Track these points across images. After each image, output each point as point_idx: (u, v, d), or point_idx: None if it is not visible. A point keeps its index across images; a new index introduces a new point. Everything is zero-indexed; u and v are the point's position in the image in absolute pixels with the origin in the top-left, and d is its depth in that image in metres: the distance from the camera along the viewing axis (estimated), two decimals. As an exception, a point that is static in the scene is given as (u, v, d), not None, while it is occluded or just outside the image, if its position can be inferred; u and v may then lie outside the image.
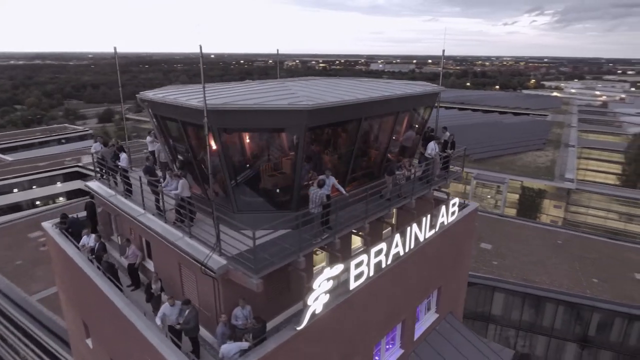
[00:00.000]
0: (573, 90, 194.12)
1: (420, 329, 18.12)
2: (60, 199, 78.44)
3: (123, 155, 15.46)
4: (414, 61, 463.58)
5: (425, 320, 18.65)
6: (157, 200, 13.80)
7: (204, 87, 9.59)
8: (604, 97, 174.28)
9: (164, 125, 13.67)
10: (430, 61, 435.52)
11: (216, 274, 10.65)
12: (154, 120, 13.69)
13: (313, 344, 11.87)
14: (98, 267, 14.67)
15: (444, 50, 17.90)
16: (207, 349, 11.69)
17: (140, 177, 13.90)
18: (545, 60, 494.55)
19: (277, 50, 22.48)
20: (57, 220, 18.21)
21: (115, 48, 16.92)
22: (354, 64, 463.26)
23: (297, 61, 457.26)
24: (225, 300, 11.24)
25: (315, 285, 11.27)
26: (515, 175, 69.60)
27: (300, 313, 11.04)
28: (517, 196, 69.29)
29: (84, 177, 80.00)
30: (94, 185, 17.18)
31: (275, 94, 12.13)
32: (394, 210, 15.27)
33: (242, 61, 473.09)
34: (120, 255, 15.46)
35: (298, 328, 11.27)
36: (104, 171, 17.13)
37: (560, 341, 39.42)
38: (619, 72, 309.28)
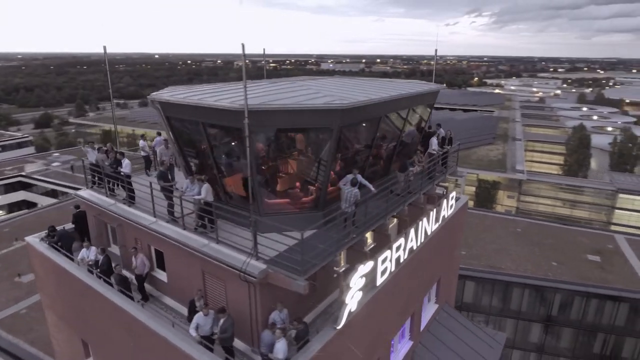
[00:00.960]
0: (513, 88, 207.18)
1: (424, 320, 18.67)
2: (0, 212, 72.30)
3: (126, 162, 14.57)
4: (363, 60, 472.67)
5: (428, 311, 19.24)
6: (170, 206, 13.20)
7: (245, 87, 9.26)
8: (540, 93, 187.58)
9: (179, 128, 13.06)
10: (378, 60, 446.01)
11: (256, 279, 10.38)
12: (167, 123, 13.03)
13: (347, 342, 11.90)
14: (105, 280, 13.80)
15: (436, 50, 18.53)
16: (240, 357, 11.38)
17: (150, 184, 13.18)
18: (485, 59, 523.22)
19: (264, 50, 22.12)
20: (43, 233, 16.86)
21: (105, 47, 15.95)
22: (304, 63, 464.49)
23: (248, 61, 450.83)
24: (263, 305, 10.99)
25: (352, 283, 11.32)
26: (472, 168, 73.13)
27: (324, 313, 11.01)
28: (473, 188, 72.83)
29: (27, 187, 74.18)
30: (86, 194, 16.06)
31: (303, 94, 11.97)
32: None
33: (189, 61, 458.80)
34: (123, 267, 14.62)
35: (337, 327, 11.27)
36: (96, 179, 16.07)
37: (527, 322, 41.97)
38: (551, 69, 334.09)
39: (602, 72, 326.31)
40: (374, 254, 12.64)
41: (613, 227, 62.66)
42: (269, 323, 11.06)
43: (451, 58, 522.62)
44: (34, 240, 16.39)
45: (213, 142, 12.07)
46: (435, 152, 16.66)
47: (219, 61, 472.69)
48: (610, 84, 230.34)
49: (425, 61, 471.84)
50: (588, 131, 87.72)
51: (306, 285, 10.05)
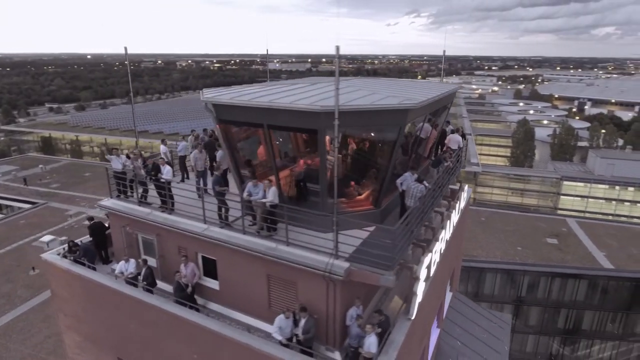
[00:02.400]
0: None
1: (445, 307, 19.64)
2: None
3: (167, 168, 13.95)
4: (309, 60, 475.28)
5: (447, 299, 20.24)
6: (222, 210, 12.94)
7: (337, 88, 9.39)
8: (480, 90, 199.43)
9: (233, 131, 12.78)
10: (324, 60, 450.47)
11: (342, 278, 10.56)
12: (221, 125, 12.68)
13: (413, 331, 12.41)
14: (149, 291, 13.25)
15: (444, 51, 19.48)
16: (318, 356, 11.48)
17: (203, 189, 12.81)
18: (425, 58, 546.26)
19: (267, 50, 21.98)
20: (59, 249, 15.73)
21: (125, 48, 15.19)
22: (250, 63, 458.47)
23: (190, 61, 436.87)
24: (342, 303, 11.18)
25: (420, 275, 11.83)
26: (432, 163, 76.45)
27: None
28: (434, 182, 76.21)
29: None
30: (110, 203, 15.17)
31: (364, 94, 12.19)
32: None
33: (126, 62, 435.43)
34: (161, 279, 14.08)
35: (411, 318, 11.73)
36: (121, 187, 15.25)
37: (499, 304, 44.84)
38: (486, 67, 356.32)
39: (530, 69, 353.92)
40: (428, 246, 13.23)
41: (560, 212, 68.62)
42: (348, 319, 11.28)
43: (393, 57, 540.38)
44: (54, 257, 15.24)
45: (277, 144, 11.99)
46: (458, 148, 17.59)
47: (159, 61, 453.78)
48: (539, 80, 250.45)
49: (369, 60, 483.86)
50: (531, 125, 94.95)
51: (394, 279, 10.40)
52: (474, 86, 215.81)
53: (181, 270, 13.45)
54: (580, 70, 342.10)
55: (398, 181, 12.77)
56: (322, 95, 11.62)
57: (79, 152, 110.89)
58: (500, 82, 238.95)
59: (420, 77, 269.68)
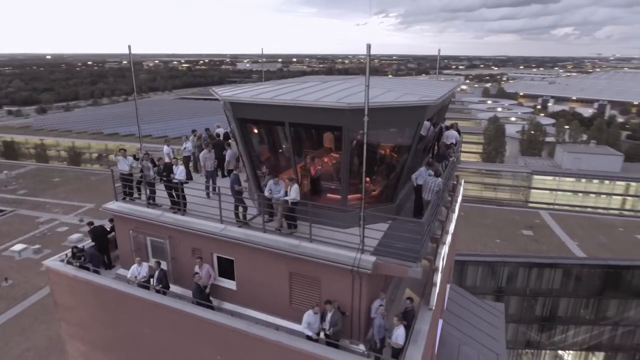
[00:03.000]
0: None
1: (445, 299, 20.22)
2: None
3: (180, 168, 13.71)
4: (280, 60, 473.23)
5: (447, 291, 20.84)
6: (239, 209, 12.91)
7: (367, 86, 9.57)
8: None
9: (250, 129, 12.73)
10: (295, 60, 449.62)
11: (370, 271, 10.78)
12: (238, 124, 12.59)
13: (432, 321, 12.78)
14: (162, 293, 13.05)
15: (439, 50, 20.04)
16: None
17: (218, 189, 12.70)
18: (394, 57, 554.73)
19: (262, 49, 21.89)
20: (61, 255, 15.19)
21: (129, 47, 14.86)
22: (219, 63, 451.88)
23: (158, 61, 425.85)
24: (368, 296, 11.40)
25: (439, 265, 12.22)
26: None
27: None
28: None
29: None
30: (116, 206, 14.78)
31: (381, 92, 12.42)
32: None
33: (89, 62, 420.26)
34: (173, 281, 13.88)
35: (432, 308, 12.09)
36: (127, 189, 14.90)
37: (480, 295, 46.30)
38: (453, 67, 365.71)
39: (496, 68, 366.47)
40: (441, 238, 13.65)
41: (531, 205, 71.54)
42: (373, 311, 11.51)
43: (363, 57, 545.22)
44: (57, 264, 14.68)
45: (298, 141, 12.06)
46: (455, 144, 18.13)
47: (124, 62, 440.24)
48: (505, 79, 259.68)
49: (340, 60, 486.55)
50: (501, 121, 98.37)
51: (422, 271, 10.71)
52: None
53: (196, 272, 13.28)
54: (542, 69, 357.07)
55: (413, 176, 13.10)
56: (344, 93, 11.79)
57: (45, 156, 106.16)
58: (467, 81, 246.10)
59: (390, 76, 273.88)
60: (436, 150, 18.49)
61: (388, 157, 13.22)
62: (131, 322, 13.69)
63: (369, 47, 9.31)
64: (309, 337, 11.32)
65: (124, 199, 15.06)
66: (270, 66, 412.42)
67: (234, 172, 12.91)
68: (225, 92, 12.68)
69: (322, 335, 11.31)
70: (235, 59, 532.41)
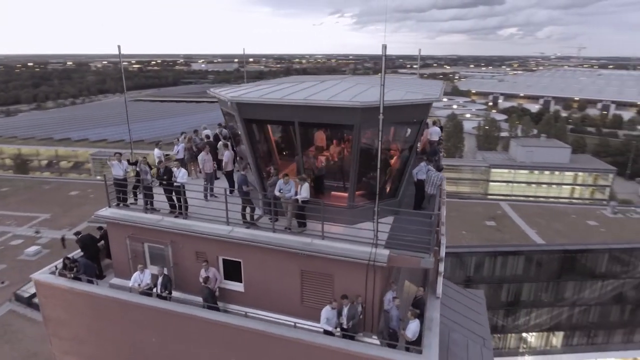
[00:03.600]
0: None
1: (433, 289, 21.02)
2: None
3: (182, 171, 13.38)
4: (235, 60, 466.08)
5: (433, 281, 21.66)
6: (246, 209, 12.88)
7: (382, 85, 9.87)
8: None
9: (257, 129, 12.68)
10: (251, 60, 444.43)
11: (385, 264, 11.14)
12: (244, 125, 12.48)
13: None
14: (167, 299, 12.80)
15: (420, 50, 20.79)
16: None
17: (225, 191, 12.58)
18: (350, 57, 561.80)
19: (244, 49, 21.77)
20: (51, 267, 14.45)
21: (119, 47, 14.39)
22: (172, 64, 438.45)
23: (106, 62, 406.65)
24: (381, 288, 11.76)
25: (443, 255, 12.81)
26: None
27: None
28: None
29: None
30: (109, 213, 14.23)
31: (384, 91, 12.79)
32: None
33: (30, 63, 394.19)
34: (175, 287, 13.61)
35: (439, 296, 12.66)
36: (120, 194, 14.40)
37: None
38: (408, 66, 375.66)
39: (448, 67, 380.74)
40: (440, 229, 14.26)
41: (490, 197, 75.15)
42: (386, 303, 11.89)
43: (320, 56, 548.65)
44: (48, 276, 13.93)
45: (306, 140, 12.17)
46: (438, 140, 18.93)
47: (69, 62, 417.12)
48: (457, 77, 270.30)
49: (296, 60, 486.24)
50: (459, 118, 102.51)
51: (433, 261, 11.21)
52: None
53: (202, 275, 13.10)
54: (490, 67, 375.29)
55: (414, 171, 13.62)
56: (351, 92, 12.08)
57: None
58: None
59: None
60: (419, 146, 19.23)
61: (393, 153, 13.65)
62: (136, 331, 13.27)
63: (384, 47, 9.62)
64: (326, 333, 11.53)
65: (117, 205, 14.54)
66: (226, 66, 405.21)
67: (241, 172, 12.83)
68: (230, 93, 12.57)
69: (338, 329, 11.54)
70: (189, 59, 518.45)
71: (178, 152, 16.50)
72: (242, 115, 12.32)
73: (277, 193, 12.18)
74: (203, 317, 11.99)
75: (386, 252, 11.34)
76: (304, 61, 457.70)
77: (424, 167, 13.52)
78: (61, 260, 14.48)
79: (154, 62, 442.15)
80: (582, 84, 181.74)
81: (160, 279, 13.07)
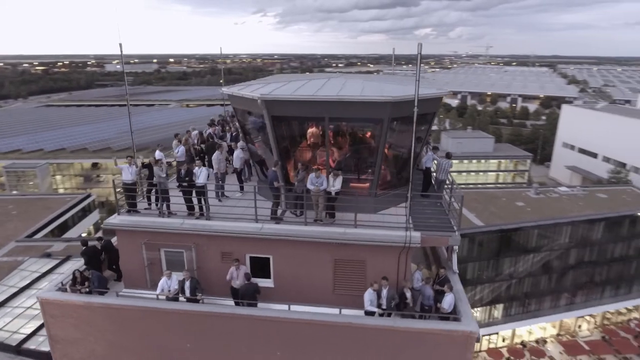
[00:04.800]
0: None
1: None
2: None
3: (204, 171, 13.09)
4: (155, 60, 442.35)
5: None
6: (278, 205, 13.12)
7: (418, 80, 10.73)
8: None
9: (283, 126, 12.88)
10: (172, 60, 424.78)
11: (419, 245, 12.13)
12: (271, 122, 12.57)
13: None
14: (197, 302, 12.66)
15: (394, 49, 22.12)
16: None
17: (255, 188, 12.67)
18: (275, 56, 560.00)
19: (220, 49, 21.53)
20: (59, 283, 13.42)
21: (120, 45, 13.73)
22: (82, 65, 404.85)
23: (2, 64, 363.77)
24: (409, 268, 12.73)
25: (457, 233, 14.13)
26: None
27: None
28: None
29: None
30: (121, 220, 13.54)
31: (393, 87, 13.64)
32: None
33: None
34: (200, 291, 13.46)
35: (456, 272, 13.95)
36: (125, 198, 13.78)
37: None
38: (334, 65, 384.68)
39: (371, 65, 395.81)
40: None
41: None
42: (416, 281, 12.89)
43: (245, 56, 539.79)
44: (56, 294, 12.90)
45: (334, 135, 12.66)
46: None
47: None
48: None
49: (220, 60, 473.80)
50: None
51: (460, 238, 12.40)
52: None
53: (232, 275, 13.08)
54: (410, 65, 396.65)
55: (423, 160, 14.77)
56: (374, 87, 12.83)
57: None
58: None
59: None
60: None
61: (408, 144, 14.64)
62: (166, 340, 12.84)
63: (420, 45, 10.52)
64: (367, 314, 12.22)
65: (128, 211, 13.88)
66: (145, 67, 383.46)
67: (273, 168, 12.98)
68: (256, 91, 12.64)
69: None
70: (102, 60, 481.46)
71: (179, 154, 16.04)
72: (271, 113, 12.50)
73: (310, 186, 12.57)
74: (247, 315, 12.05)
75: (418, 234, 12.31)
76: (228, 61, 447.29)
77: (431, 156, 14.72)
78: (66, 275, 13.53)
79: (61, 64, 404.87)
80: (492, 79, 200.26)
81: (187, 283, 12.80)
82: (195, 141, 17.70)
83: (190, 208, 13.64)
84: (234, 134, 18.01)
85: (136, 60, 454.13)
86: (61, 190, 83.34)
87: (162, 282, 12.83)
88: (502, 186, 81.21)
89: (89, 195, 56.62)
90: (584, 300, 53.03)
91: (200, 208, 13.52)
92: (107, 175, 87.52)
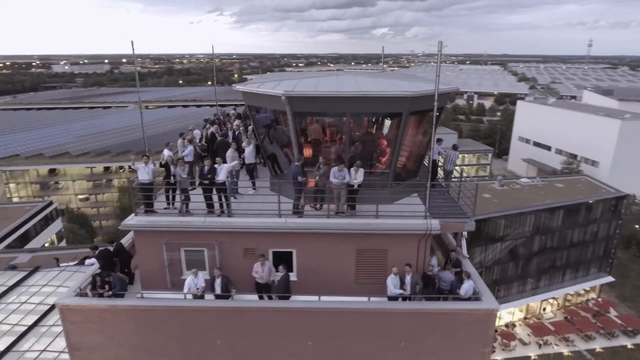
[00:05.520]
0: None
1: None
2: None
3: (224, 168, 13.10)
4: (106, 61, 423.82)
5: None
6: (298, 200, 13.43)
7: (437, 76, 11.39)
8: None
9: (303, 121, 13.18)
10: (124, 60, 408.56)
11: (439, 232, 12.86)
12: (293, 118, 12.82)
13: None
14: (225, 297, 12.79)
15: (383, 47, 22.94)
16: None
17: (279, 183, 12.91)
18: (234, 56, 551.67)
19: (212, 47, 21.46)
20: (77, 288, 13.03)
21: (132, 42, 13.58)
22: (26, 66, 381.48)
23: None
24: (427, 255, 13.47)
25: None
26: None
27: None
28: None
29: None
30: (138, 221, 13.35)
31: (404, 83, 14.32)
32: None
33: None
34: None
35: (466, 256, 14.85)
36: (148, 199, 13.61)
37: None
38: (294, 64, 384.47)
39: (331, 65, 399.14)
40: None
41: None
42: (434, 267, 13.64)
43: (202, 56, 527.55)
44: (77, 299, 12.49)
45: (354, 129, 13.11)
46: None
47: None
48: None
49: (177, 60, 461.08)
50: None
51: (474, 224, 13.26)
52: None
53: (257, 270, 13.27)
54: (369, 64, 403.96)
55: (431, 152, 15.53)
56: (389, 83, 13.43)
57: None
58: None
59: (237, 75, 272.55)
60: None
61: (419, 137, 15.35)
62: (195, 338, 12.80)
63: (440, 43, 11.21)
64: (391, 299, 12.82)
65: (145, 212, 13.70)
66: (96, 68, 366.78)
67: (296, 163, 13.24)
68: (277, 88, 12.90)
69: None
70: (47, 60, 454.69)
71: (187, 153, 15.92)
72: (293, 109, 12.78)
73: (333, 180, 12.99)
74: (279, 307, 12.31)
75: (437, 221, 13.04)
76: (185, 61, 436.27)
77: (437, 148, 15.52)
78: (85, 280, 13.19)
79: (1, 65, 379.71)
80: (449, 77, 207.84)
81: (218, 280, 12.84)
82: (198, 140, 17.63)
83: (210, 206, 13.67)
84: (236, 132, 18.06)
85: (86, 61, 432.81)
86: (15, 199, 78.33)
87: (189, 280, 12.79)
88: (468, 179, 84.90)
89: (50, 203, 53.72)
90: (547, 284, 56.46)
91: (221, 205, 13.58)
92: (66, 182, 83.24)
